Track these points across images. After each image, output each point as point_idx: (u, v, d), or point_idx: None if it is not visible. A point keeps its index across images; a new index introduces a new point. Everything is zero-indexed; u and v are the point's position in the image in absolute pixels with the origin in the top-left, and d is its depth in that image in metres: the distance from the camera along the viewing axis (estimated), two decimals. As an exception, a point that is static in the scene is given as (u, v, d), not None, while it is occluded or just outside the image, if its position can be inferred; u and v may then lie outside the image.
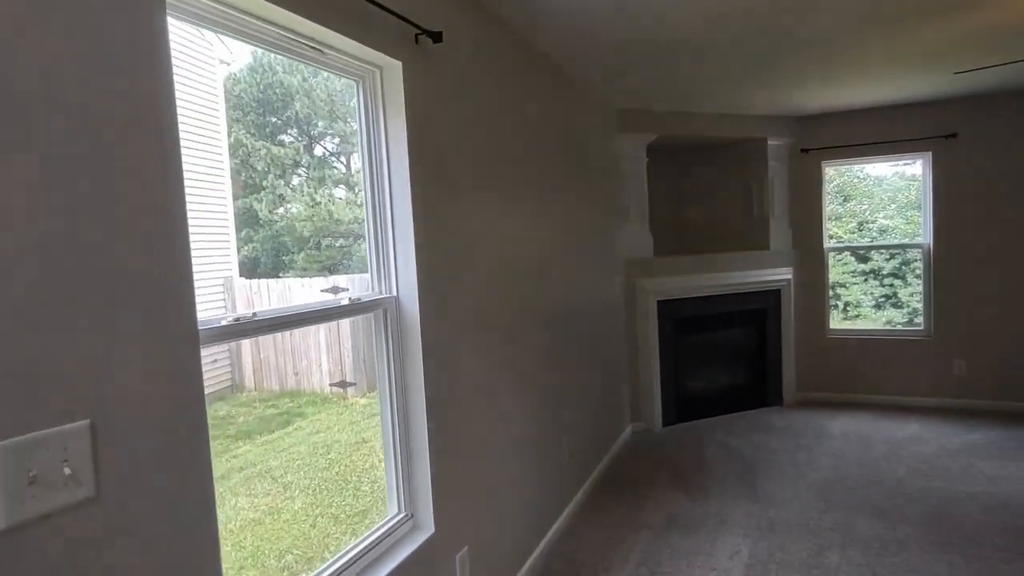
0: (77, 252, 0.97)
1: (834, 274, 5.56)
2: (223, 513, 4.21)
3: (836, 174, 6.46)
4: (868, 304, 6.92)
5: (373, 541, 1.82)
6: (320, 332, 6.51)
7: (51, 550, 0.93)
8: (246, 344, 6.72)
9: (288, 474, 4.92)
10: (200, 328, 1.22)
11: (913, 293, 6.52)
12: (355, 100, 1.91)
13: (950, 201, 4.89)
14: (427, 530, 1.99)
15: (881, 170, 6.99)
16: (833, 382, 5.31)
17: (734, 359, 5.29)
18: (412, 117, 1.93)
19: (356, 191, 1.91)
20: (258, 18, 1.47)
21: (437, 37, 1.97)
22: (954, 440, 4.21)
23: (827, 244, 5.36)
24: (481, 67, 2.43)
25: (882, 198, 7.25)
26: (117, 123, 1.03)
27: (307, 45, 1.65)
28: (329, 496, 4.51)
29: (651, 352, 4.76)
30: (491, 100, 2.52)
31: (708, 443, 4.41)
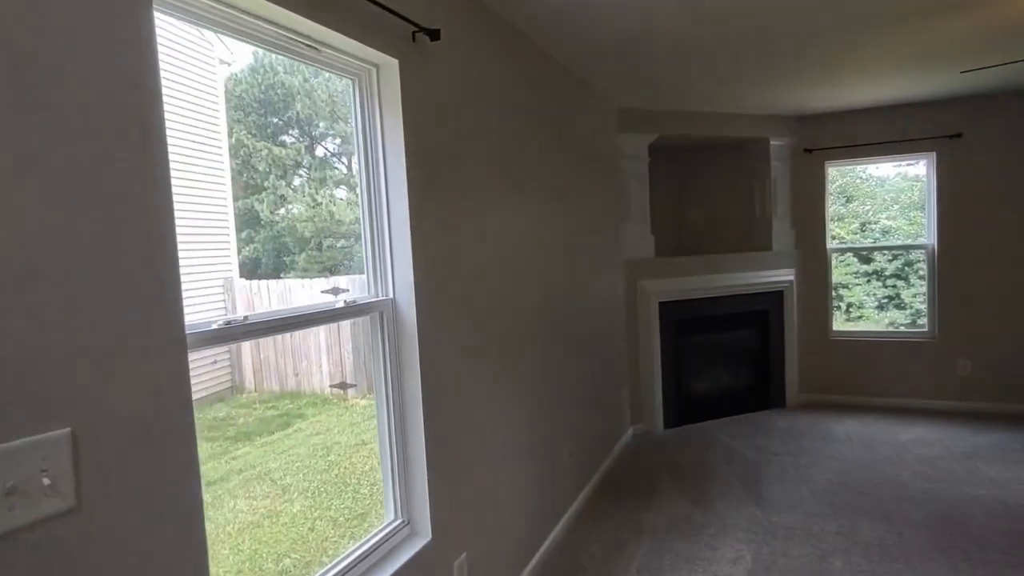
0: (56, 254, 0.94)
1: (837, 275, 5.52)
2: (221, 515, 4.18)
3: (838, 175, 6.42)
4: (871, 305, 6.88)
5: (369, 548, 1.79)
6: (320, 333, 6.49)
7: (30, 563, 0.90)
8: (246, 345, 6.70)
9: (287, 476, 4.89)
10: (188, 332, 1.19)
11: (916, 294, 6.48)
12: (351, 99, 1.88)
13: (954, 201, 4.85)
14: (424, 537, 1.96)
15: (884, 171, 6.95)
16: (836, 384, 5.27)
17: (736, 361, 5.25)
18: (409, 116, 1.90)
19: (357, 192, 1.87)
20: (252, 15, 1.44)
21: (435, 35, 1.94)
22: (959, 443, 4.17)
23: (830, 245, 5.32)
24: (480, 66, 2.40)
25: (885, 199, 7.21)
26: (99, 120, 1.00)
27: (302, 43, 1.62)
28: (328, 499, 4.48)
29: (652, 354, 4.72)
30: (490, 99, 2.49)
31: (710, 446, 4.37)
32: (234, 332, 1.36)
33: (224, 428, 5.79)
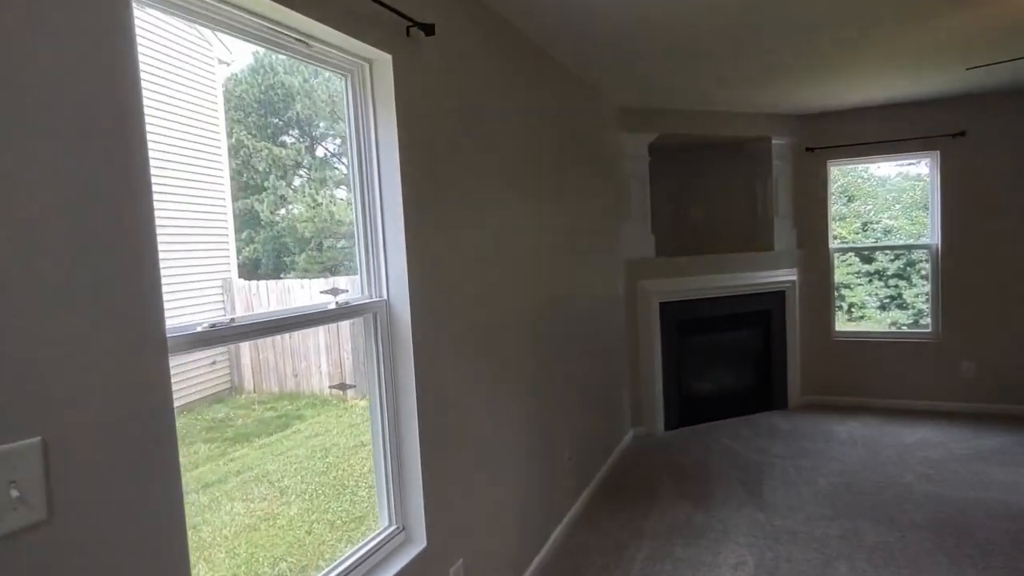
0: (25, 255, 0.89)
1: (838, 275, 5.48)
2: (218, 518, 4.15)
3: (840, 174, 6.39)
4: (873, 305, 6.84)
5: (362, 556, 1.74)
6: (320, 334, 6.46)
7: (-3, 580, 0.86)
8: (245, 346, 6.67)
9: (285, 478, 4.86)
10: (170, 336, 1.15)
11: (918, 294, 6.45)
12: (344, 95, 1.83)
13: (958, 200, 4.80)
14: (419, 543, 1.91)
15: (885, 170, 6.91)
16: (839, 385, 5.23)
17: (738, 361, 5.21)
18: (403, 113, 1.85)
19: (350, 190, 1.84)
20: (240, 8, 1.39)
21: (429, 30, 1.89)
22: (963, 445, 4.12)
23: (832, 245, 5.28)
24: (476, 63, 2.35)
25: (886, 198, 7.18)
26: (71, 114, 0.96)
27: (291, 37, 1.57)
28: (326, 501, 4.44)
29: (653, 355, 4.68)
30: (487, 96, 2.44)
31: (711, 448, 4.32)
32: (220, 335, 1.31)
33: (222, 429, 5.76)
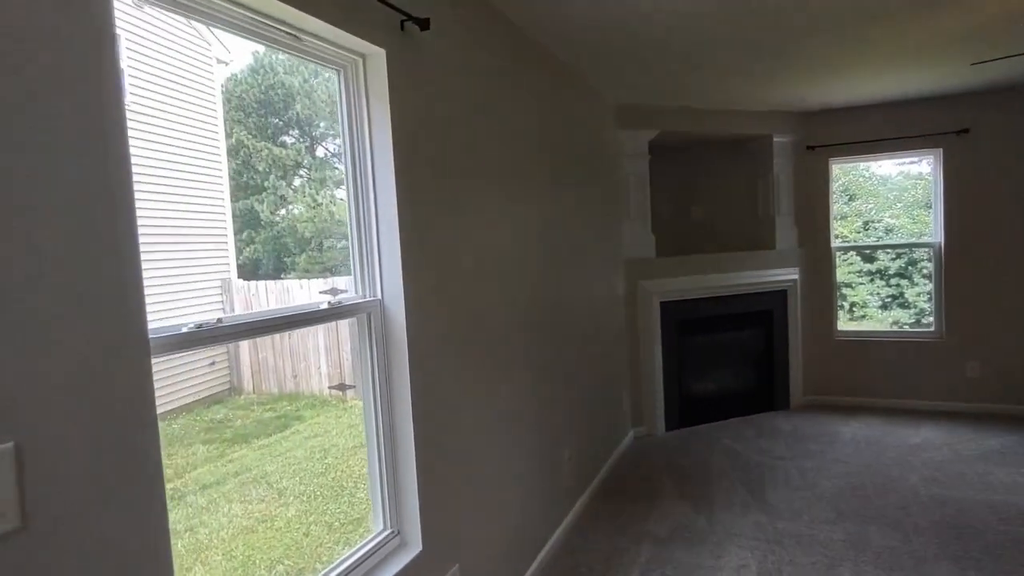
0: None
1: (840, 274, 5.44)
2: (216, 520, 4.11)
3: (841, 173, 6.35)
4: (874, 304, 6.81)
5: (356, 561, 1.70)
6: (319, 334, 6.43)
7: (-36, 593, 0.82)
8: (244, 346, 6.65)
9: (283, 479, 4.82)
10: (153, 336, 1.11)
11: (920, 293, 6.41)
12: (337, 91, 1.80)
13: (961, 198, 4.75)
14: (414, 548, 1.87)
15: (886, 169, 6.88)
16: (842, 385, 5.18)
17: (739, 361, 5.17)
18: (397, 109, 1.81)
19: (344, 188, 1.80)
20: (228, 0, 1.36)
21: (424, 24, 1.85)
22: (968, 446, 4.07)
23: (834, 243, 5.23)
24: (472, 58, 2.31)
25: (888, 197, 7.14)
26: (48, 110, 0.92)
27: (281, 30, 1.53)
28: (324, 503, 4.40)
29: (654, 355, 4.64)
30: (483, 92, 2.40)
31: (713, 449, 4.28)
32: (206, 336, 1.27)
33: (221, 430, 5.73)
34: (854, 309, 6.86)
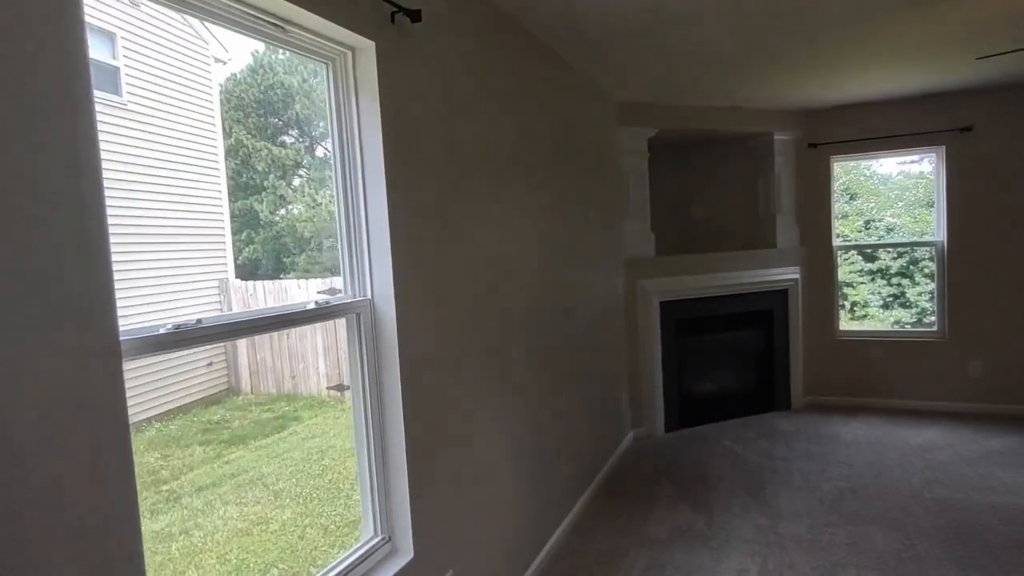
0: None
1: (841, 273, 5.39)
2: (211, 523, 4.07)
3: (842, 172, 6.30)
4: (876, 304, 6.76)
5: (345, 568, 1.65)
6: (317, 334, 6.39)
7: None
8: (242, 346, 6.61)
9: (280, 481, 4.78)
10: (125, 339, 1.06)
11: (921, 292, 6.36)
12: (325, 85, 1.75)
13: (964, 197, 4.70)
14: (406, 554, 1.82)
15: (887, 168, 6.84)
16: (843, 385, 5.13)
17: (740, 361, 5.12)
18: (387, 103, 1.76)
19: (332, 184, 1.76)
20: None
21: (416, 16, 1.80)
22: (971, 447, 4.02)
23: (836, 242, 5.18)
24: (465, 51, 2.25)
25: (889, 196, 7.10)
26: (9, 101, 0.87)
27: (266, 21, 1.48)
28: (320, 505, 4.36)
29: (653, 355, 4.59)
30: (478, 88, 2.34)
31: (713, 450, 4.23)
32: (184, 337, 1.22)
33: (219, 431, 5.69)
34: (855, 309, 6.82)
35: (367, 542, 1.78)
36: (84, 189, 0.96)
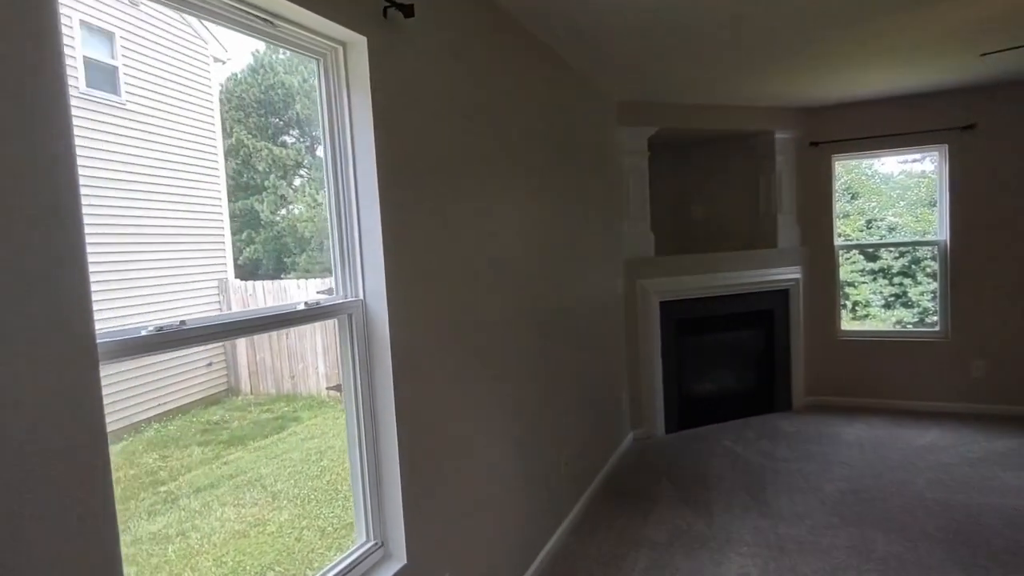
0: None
1: (842, 273, 5.35)
2: (208, 524, 4.04)
3: (844, 171, 6.26)
4: (877, 303, 6.72)
5: (337, 574, 1.62)
6: (317, 334, 6.36)
7: None
8: (242, 346, 6.58)
9: (279, 482, 4.74)
10: (103, 341, 1.03)
11: (923, 292, 6.32)
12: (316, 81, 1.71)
13: (967, 196, 4.66)
14: (399, 560, 1.79)
15: (889, 167, 6.80)
16: (845, 386, 5.09)
17: (740, 362, 5.09)
18: (380, 100, 1.73)
19: (324, 183, 1.73)
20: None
21: (408, 11, 1.77)
22: (975, 448, 3.98)
23: (837, 242, 5.14)
24: (460, 47, 2.22)
25: (890, 195, 7.06)
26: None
27: (255, 16, 1.45)
28: (318, 507, 4.33)
29: (653, 355, 4.56)
30: (474, 85, 2.31)
31: (713, 451, 4.20)
32: (167, 340, 1.19)
33: (218, 432, 5.66)
34: (857, 308, 6.78)
35: (359, 547, 1.75)
36: (59, 187, 0.93)
